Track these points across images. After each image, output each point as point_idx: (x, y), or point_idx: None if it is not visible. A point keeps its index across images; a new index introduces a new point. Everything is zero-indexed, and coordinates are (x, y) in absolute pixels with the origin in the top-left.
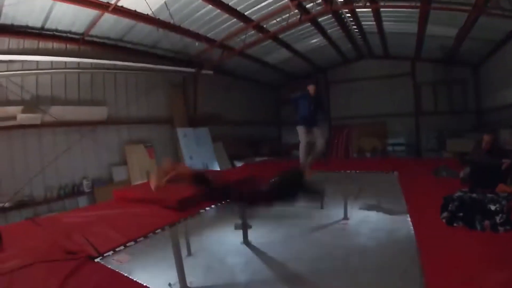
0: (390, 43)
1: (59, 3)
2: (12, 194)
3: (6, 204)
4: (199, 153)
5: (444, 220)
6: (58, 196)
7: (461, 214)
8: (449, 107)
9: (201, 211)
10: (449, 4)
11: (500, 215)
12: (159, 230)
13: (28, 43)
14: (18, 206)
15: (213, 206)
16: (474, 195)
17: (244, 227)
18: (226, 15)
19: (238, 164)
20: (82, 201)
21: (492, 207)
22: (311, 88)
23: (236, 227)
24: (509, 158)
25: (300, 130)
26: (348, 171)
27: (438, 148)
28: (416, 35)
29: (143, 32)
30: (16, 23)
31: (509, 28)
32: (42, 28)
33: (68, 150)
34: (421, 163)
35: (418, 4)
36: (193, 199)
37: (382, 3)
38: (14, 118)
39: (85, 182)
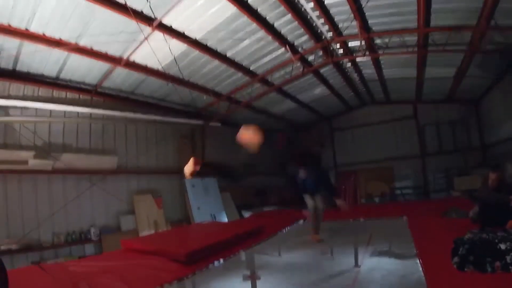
0: (391, 88)
1: (73, 55)
2: (20, 237)
3: (13, 247)
4: (207, 203)
5: (455, 266)
6: (65, 242)
7: (471, 257)
8: (453, 146)
9: (210, 265)
10: (445, 45)
11: (511, 254)
12: (166, 285)
13: (43, 91)
14: (25, 249)
15: (221, 259)
16: (484, 235)
17: (253, 279)
18: (232, 70)
19: (246, 214)
20: (89, 248)
21: (503, 246)
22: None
23: (244, 279)
24: None
25: (305, 196)
26: (357, 219)
27: (446, 188)
28: (416, 78)
29: (154, 86)
30: (32, 71)
31: (504, 63)
32: (57, 78)
33: (77, 197)
34: (429, 205)
35: (415, 50)
36: (201, 252)
37: (380, 52)
38: (25, 162)
39: (92, 230)
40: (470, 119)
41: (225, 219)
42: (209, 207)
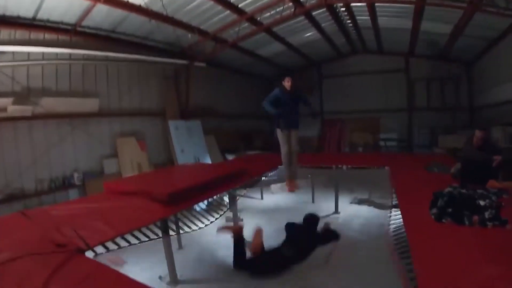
0: (384, 38)
1: None
2: (3, 186)
3: None
4: (191, 146)
5: (433, 217)
6: (49, 188)
7: (450, 210)
8: (442, 104)
9: (194, 206)
10: (444, 0)
11: (489, 210)
12: (149, 224)
13: (19, 33)
14: (9, 198)
15: (204, 201)
16: (464, 190)
17: (235, 220)
18: (219, 7)
19: (230, 157)
20: (73, 193)
21: (482, 203)
22: (287, 82)
23: (227, 220)
24: (500, 155)
25: (280, 135)
26: (340, 166)
27: (430, 144)
28: (411, 31)
29: (136, 24)
30: (7, 13)
31: (503, 26)
32: (34, 19)
33: (59, 143)
34: (412, 158)
35: (413, 0)
36: (184, 193)
37: None
38: (4, 110)
39: (76, 175)
40: (461, 80)
41: (209, 162)
42: (193, 150)
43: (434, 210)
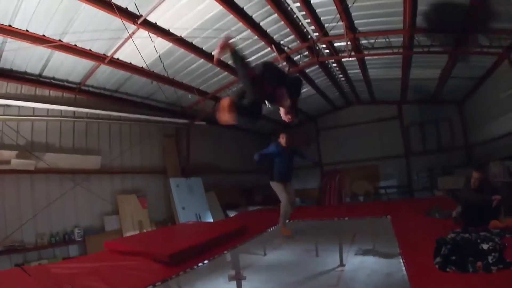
0: (376, 88)
1: (57, 52)
2: (3, 238)
3: None
4: (192, 203)
5: (437, 266)
6: (49, 243)
7: (453, 258)
8: (437, 145)
9: (194, 266)
10: (430, 47)
11: (493, 254)
12: (150, 287)
13: (26, 89)
14: (8, 251)
15: (205, 261)
16: (466, 235)
17: (238, 279)
18: (217, 69)
19: (231, 214)
20: (73, 249)
21: (485, 246)
22: (282, 138)
23: (230, 279)
24: (499, 194)
25: (277, 186)
26: (342, 218)
27: (430, 187)
28: (401, 79)
29: (138, 84)
30: (15, 68)
31: (488, 64)
32: (40, 75)
33: (61, 198)
34: (413, 204)
35: (400, 51)
36: (185, 253)
37: (366, 52)
38: (8, 162)
39: (76, 231)
40: (454, 120)
41: (210, 219)
42: (194, 207)
43: (438, 259)
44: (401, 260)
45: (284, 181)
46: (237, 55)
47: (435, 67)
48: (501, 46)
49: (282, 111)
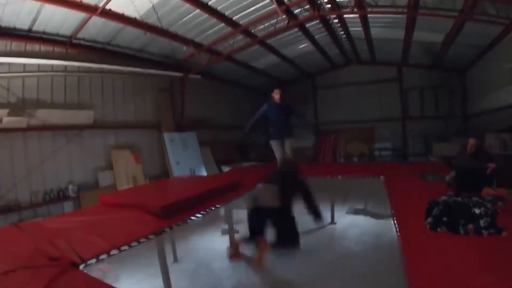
0: (377, 48)
1: (47, 5)
2: None
3: None
4: (186, 158)
5: (428, 226)
6: (44, 201)
7: (445, 219)
8: (435, 112)
9: (187, 219)
10: (436, 10)
11: (485, 218)
12: (143, 239)
13: (15, 45)
14: (3, 210)
15: (198, 214)
16: (459, 198)
17: (231, 233)
18: (214, 20)
19: (225, 169)
20: (68, 206)
21: (477, 211)
22: (275, 94)
23: (223, 233)
24: (494, 162)
25: (274, 144)
26: (335, 176)
27: (425, 152)
28: (403, 41)
29: (131, 36)
30: (3, 24)
31: (494, 34)
32: (30, 30)
33: (54, 155)
34: (407, 167)
35: (405, 10)
36: (178, 206)
37: (369, 9)
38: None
39: (70, 187)
40: (455, 88)
41: (204, 174)
42: (188, 162)
43: (429, 219)
44: (392, 221)
45: (281, 138)
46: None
47: (439, 31)
48: (508, 17)
49: None
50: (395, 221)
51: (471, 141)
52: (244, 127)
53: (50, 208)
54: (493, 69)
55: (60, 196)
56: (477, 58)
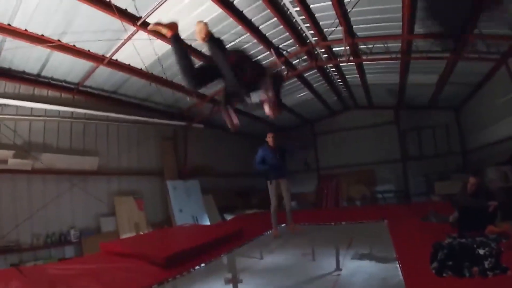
0: (373, 93)
1: (56, 52)
2: None
3: None
4: (189, 206)
5: (433, 271)
6: (45, 244)
7: (450, 263)
8: (434, 151)
9: (191, 269)
10: (428, 52)
11: (489, 259)
12: None
13: (24, 88)
14: (3, 251)
15: (202, 264)
16: (463, 240)
17: (235, 282)
18: None
19: (228, 217)
20: (69, 250)
21: (481, 252)
22: (268, 138)
23: (226, 282)
24: (495, 199)
25: (269, 187)
26: (338, 223)
27: (427, 191)
28: (398, 85)
29: (137, 86)
30: (13, 67)
31: (485, 70)
32: (39, 75)
33: (57, 198)
34: (410, 209)
35: (398, 56)
36: (182, 255)
37: (364, 57)
38: (5, 162)
39: (72, 232)
40: (451, 125)
41: (207, 222)
42: (191, 210)
43: (435, 264)
44: (398, 265)
45: (277, 179)
46: (213, 38)
47: (433, 72)
48: (499, 52)
49: (266, 105)
50: (400, 266)
51: (471, 180)
52: (254, 170)
53: (51, 251)
54: (487, 105)
55: (62, 240)
56: (471, 95)
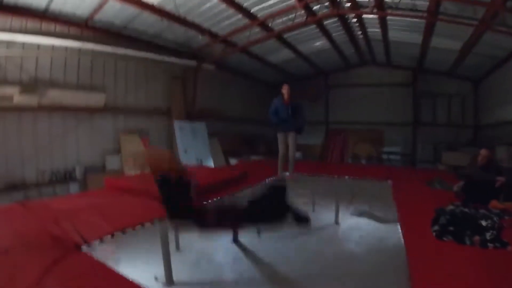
0: (393, 51)
1: None
2: (4, 175)
3: None
4: (194, 147)
5: (434, 234)
6: (50, 180)
7: (451, 228)
8: (447, 120)
9: None
10: (456, 17)
11: (491, 231)
12: (148, 223)
13: (31, 24)
14: (9, 187)
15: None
16: (466, 209)
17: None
18: (231, 11)
19: (233, 161)
20: (74, 187)
21: (484, 223)
22: (284, 89)
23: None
24: (503, 176)
25: (279, 137)
26: (342, 177)
27: (433, 160)
28: (420, 46)
29: (148, 22)
30: (19, 2)
31: None
32: (46, 10)
33: (63, 135)
34: (415, 173)
35: (425, 15)
36: None
37: (389, 11)
38: (11, 99)
39: (77, 169)
40: (468, 97)
41: (211, 164)
42: (196, 151)
43: (436, 227)
44: (398, 226)
45: (285, 131)
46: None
47: (457, 39)
48: None
49: None
50: (401, 226)
51: (483, 152)
52: (270, 124)
53: (56, 188)
54: (508, 82)
55: (67, 177)
56: (493, 70)
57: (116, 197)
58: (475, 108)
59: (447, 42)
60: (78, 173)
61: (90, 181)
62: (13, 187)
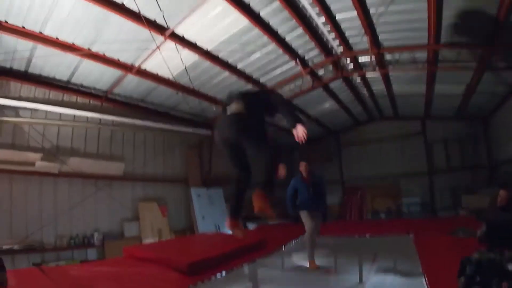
0: (399, 104)
1: (86, 61)
2: (23, 237)
3: (16, 247)
4: (212, 213)
5: (461, 286)
6: (68, 245)
7: (478, 278)
8: (461, 163)
9: (212, 277)
10: (455, 62)
11: None
12: None
13: (54, 94)
14: (27, 250)
15: (223, 272)
16: (492, 255)
17: None
18: (242, 82)
19: (251, 226)
20: (91, 253)
21: (511, 267)
22: (302, 167)
23: None
24: None
25: (303, 214)
26: (362, 236)
27: (453, 206)
28: (425, 95)
29: (164, 94)
30: (44, 74)
31: None
32: (68, 82)
33: (82, 202)
34: (436, 223)
35: (425, 66)
36: (204, 263)
37: (390, 67)
38: (33, 164)
39: (96, 235)
40: (479, 136)
41: (229, 231)
42: (213, 218)
43: (462, 279)
44: (424, 280)
45: (309, 211)
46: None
47: (460, 82)
48: None
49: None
50: (426, 280)
51: (502, 193)
52: (289, 209)
53: (74, 253)
54: None
55: (85, 242)
56: (499, 105)
57: (134, 267)
58: (488, 146)
59: (450, 87)
60: (96, 239)
61: (108, 247)
62: (31, 249)
